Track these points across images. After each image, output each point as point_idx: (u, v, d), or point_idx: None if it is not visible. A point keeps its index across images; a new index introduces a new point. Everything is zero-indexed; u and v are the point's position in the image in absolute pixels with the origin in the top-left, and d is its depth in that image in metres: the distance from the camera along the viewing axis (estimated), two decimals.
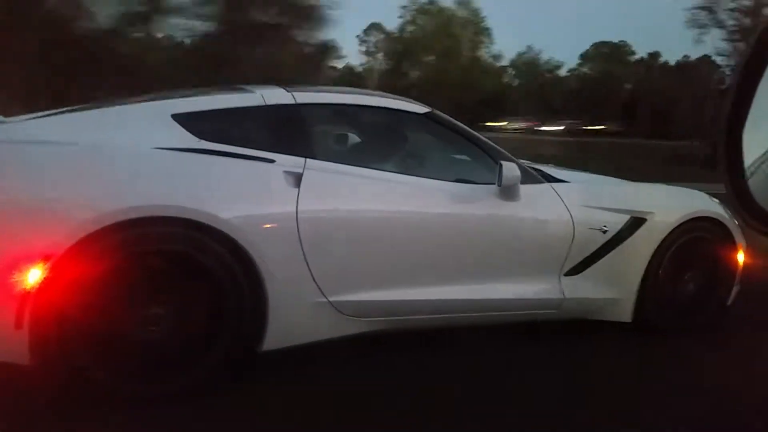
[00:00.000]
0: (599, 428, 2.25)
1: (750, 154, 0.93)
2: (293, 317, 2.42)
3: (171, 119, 2.41)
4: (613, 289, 3.04)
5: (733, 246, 3.31)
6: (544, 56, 44.01)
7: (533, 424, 2.23)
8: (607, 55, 44.45)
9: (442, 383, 2.51)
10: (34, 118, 2.53)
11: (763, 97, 0.92)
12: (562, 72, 45.36)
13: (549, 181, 3.01)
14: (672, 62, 39.07)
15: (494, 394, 2.44)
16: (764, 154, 0.92)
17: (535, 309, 2.91)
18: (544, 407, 2.35)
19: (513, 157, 2.88)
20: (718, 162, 0.95)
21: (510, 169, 2.69)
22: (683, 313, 3.23)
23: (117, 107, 2.63)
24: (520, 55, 43.60)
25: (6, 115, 2.75)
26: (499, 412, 2.30)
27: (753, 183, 0.92)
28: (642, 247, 3.07)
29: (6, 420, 2.04)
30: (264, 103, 2.59)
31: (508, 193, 2.76)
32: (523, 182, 2.78)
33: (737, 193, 0.93)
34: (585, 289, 2.97)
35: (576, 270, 2.95)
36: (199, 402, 2.20)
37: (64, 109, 2.69)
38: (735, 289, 3.36)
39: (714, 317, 3.34)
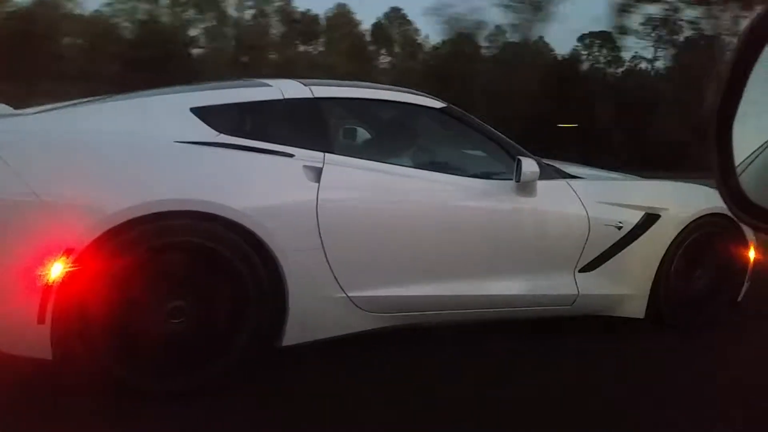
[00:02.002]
0: (604, 427, 2.24)
1: (740, 150, 0.93)
2: (313, 313, 2.42)
3: (189, 112, 2.39)
4: (627, 285, 3.05)
5: (744, 243, 3.32)
6: None
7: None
8: None
9: (446, 384, 2.47)
10: (49, 110, 2.51)
11: (753, 92, 0.92)
12: None
13: (564, 177, 3.01)
14: None
15: (498, 396, 2.41)
16: (755, 149, 0.92)
17: (550, 305, 2.91)
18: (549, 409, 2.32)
19: (529, 153, 2.87)
20: (708, 158, 0.95)
21: (529, 165, 2.69)
22: (695, 310, 3.25)
23: (135, 99, 2.61)
24: None
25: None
26: (500, 414, 2.27)
27: (744, 178, 0.92)
28: (655, 243, 3.07)
29: (27, 415, 2.03)
30: (282, 97, 2.58)
31: (525, 189, 2.76)
32: (539, 178, 2.78)
33: (728, 189, 0.92)
34: (599, 285, 2.97)
35: (590, 266, 2.96)
36: (212, 401, 2.19)
37: (80, 101, 2.66)
38: (745, 286, 3.38)
39: (724, 313, 3.36)
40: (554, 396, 2.39)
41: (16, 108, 2.73)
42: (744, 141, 0.93)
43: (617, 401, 2.40)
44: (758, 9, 0.90)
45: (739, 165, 0.93)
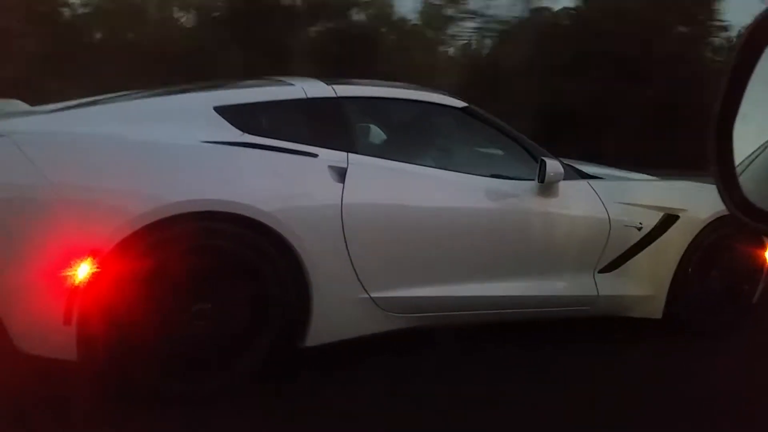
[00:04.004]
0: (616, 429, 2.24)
1: (740, 151, 0.93)
2: (335, 313, 2.41)
3: (213, 112, 2.37)
4: (646, 286, 3.04)
5: (760, 244, 3.32)
6: None
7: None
8: None
9: (449, 387, 2.44)
10: (68, 108, 2.48)
11: (754, 93, 0.92)
12: None
13: (584, 178, 3.00)
14: None
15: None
16: (755, 150, 0.92)
17: (570, 306, 2.91)
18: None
19: (550, 154, 2.86)
20: (708, 159, 0.95)
21: (553, 167, 2.68)
22: (711, 311, 3.23)
23: (158, 98, 2.58)
24: None
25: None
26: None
27: (744, 179, 0.92)
28: (674, 244, 3.06)
29: (53, 416, 2.01)
30: (305, 96, 2.55)
31: (547, 189, 2.75)
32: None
33: (728, 190, 0.92)
34: (618, 286, 2.97)
35: (610, 267, 2.95)
36: (209, 404, 2.16)
37: (100, 98, 2.63)
38: (760, 287, 3.38)
39: (740, 315, 3.36)
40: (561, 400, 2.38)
41: (31, 105, 2.70)
42: (744, 141, 0.93)
43: (631, 403, 2.38)
44: (759, 11, 0.90)
45: (739, 165, 0.92)
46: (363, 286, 2.43)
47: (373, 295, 2.45)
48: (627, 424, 2.25)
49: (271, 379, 2.29)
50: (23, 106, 2.67)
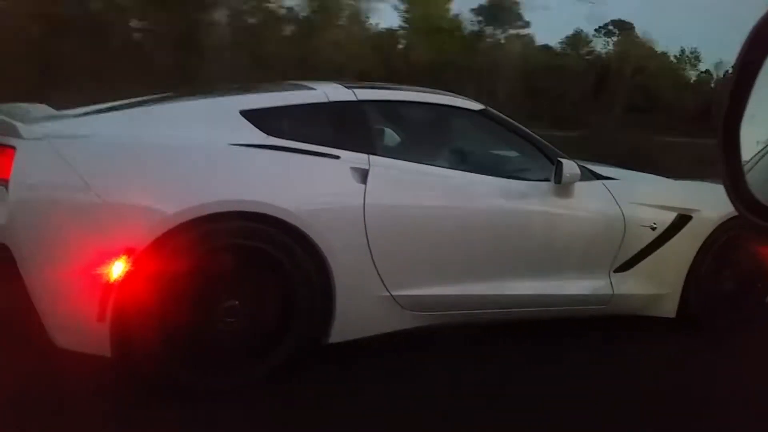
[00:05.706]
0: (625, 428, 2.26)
1: (748, 148, 0.93)
2: (358, 311, 2.47)
3: (239, 115, 2.43)
4: (660, 285, 3.09)
5: None
6: None
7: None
8: None
9: (453, 388, 2.44)
10: (98, 111, 2.55)
11: (762, 91, 0.92)
12: None
13: (598, 179, 3.05)
14: None
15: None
16: (763, 148, 0.93)
17: (586, 305, 2.96)
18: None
19: (566, 155, 2.91)
20: (716, 156, 0.95)
21: (570, 168, 2.74)
22: (724, 309, 3.28)
23: (186, 102, 2.65)
24: None
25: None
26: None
27: (751, 178, 0.92)
28: (687, 243, 3.11)
29: (87, 412, 2.05)
30: (327, 100, 2.62)
31: (563, 190, 2.80)
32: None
33: (735, 188, 0.92)
34: (633, 285, 3.02)
35: (625, 266, 3.00)
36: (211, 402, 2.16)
37: (127, 102, 2.70)
38: None
39: (753, 314, 3.39)
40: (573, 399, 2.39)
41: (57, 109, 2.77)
42: (752, 140, 0.93)
43: (640, 402, 2.40)
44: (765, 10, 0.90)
45: (746, 163, 0.93)
46: (384, 285, 2.49)
47: (394, 293, 2.51)
48: (639, 422, 2.27)
49: (271, 378, 2.32)
50: (50, 110, 2.74)
